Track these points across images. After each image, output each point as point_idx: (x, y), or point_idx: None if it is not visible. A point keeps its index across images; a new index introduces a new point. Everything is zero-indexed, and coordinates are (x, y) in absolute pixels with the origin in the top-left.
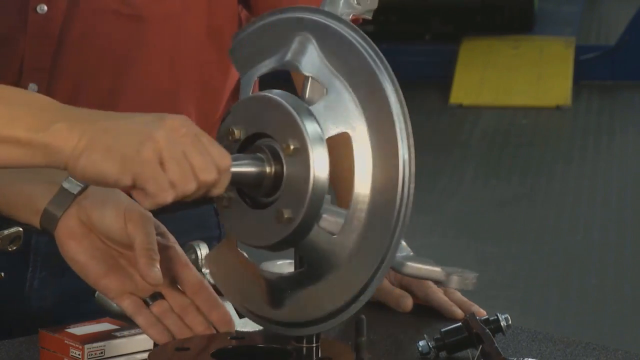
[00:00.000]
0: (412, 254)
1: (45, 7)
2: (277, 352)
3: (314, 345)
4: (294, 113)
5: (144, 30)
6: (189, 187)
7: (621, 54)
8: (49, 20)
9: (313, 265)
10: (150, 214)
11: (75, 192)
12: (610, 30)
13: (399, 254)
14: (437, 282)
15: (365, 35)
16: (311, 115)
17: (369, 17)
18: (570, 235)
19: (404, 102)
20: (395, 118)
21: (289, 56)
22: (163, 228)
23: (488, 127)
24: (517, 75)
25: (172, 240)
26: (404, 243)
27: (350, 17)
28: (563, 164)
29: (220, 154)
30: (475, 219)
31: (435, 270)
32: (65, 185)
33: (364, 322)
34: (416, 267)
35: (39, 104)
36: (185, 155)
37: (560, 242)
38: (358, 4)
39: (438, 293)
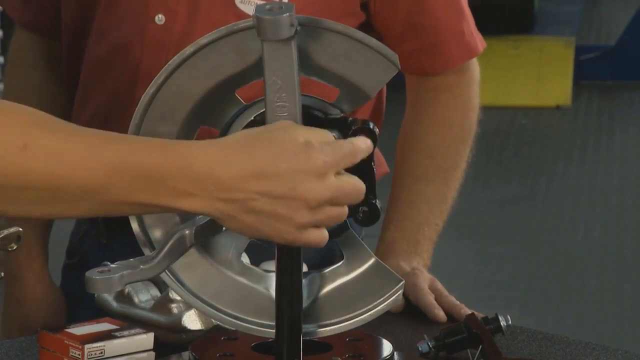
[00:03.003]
0: None
1: (164, 18)
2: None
3: None
4: None
5: None
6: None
7: (621, 54)
8: (167, 32)
9: None
10: None
11: None
12: (610, 30)
13: None
14: None
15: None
16: None
17: None
18: (570, 235)
19: None
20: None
21: None
22: None
23: (488, 127)
24: (517, 75)
25: None
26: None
27: None
28: (563, 164)
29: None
30: (475, 219)
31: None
32: None
33: None
34: None
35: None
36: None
37: (560, 242)
38: None
39: (427, 296)
